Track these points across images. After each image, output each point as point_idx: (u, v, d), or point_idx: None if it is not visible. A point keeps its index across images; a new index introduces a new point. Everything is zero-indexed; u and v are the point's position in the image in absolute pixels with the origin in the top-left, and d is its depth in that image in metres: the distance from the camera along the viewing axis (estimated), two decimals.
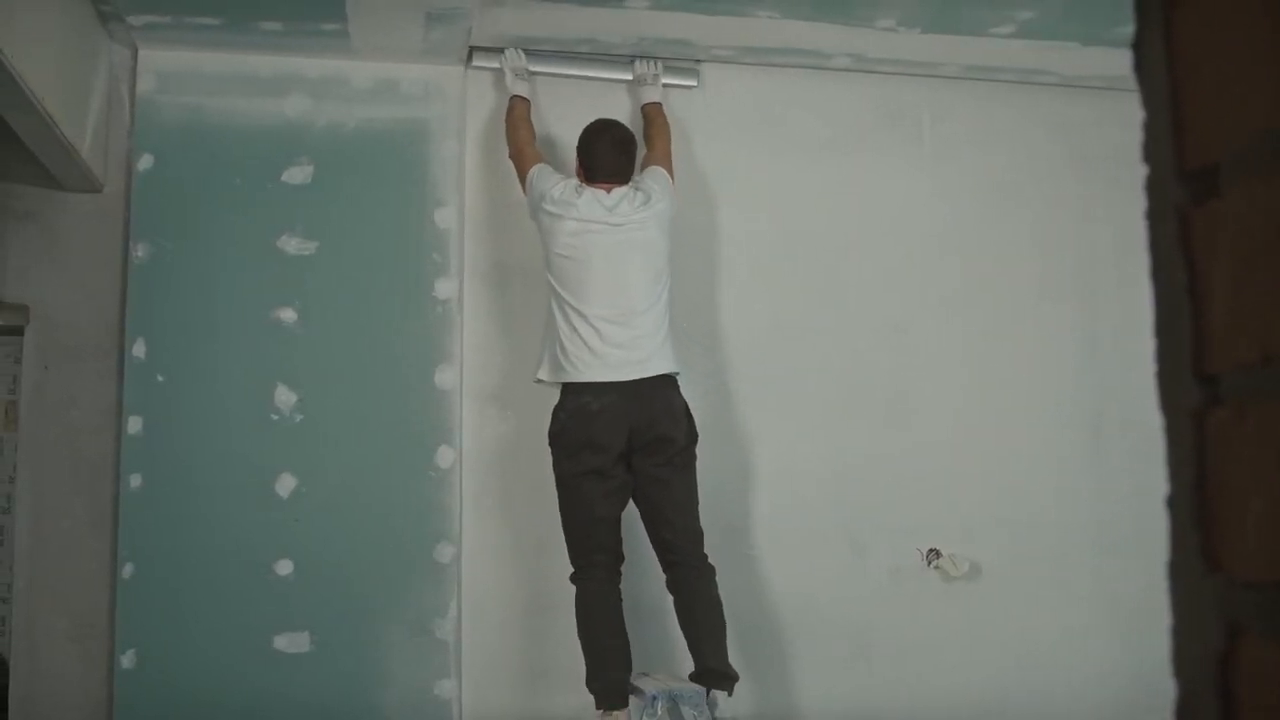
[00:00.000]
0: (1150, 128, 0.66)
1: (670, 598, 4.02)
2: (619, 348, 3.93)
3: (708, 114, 4.75)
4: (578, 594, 3.93)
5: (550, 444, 4.00)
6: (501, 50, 4.50)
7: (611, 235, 4.04)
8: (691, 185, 4.66)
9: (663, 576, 4.04)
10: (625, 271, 4.03)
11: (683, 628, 3.94)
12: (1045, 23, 4.37)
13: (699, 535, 3.99)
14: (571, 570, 3.96)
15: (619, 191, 4.14)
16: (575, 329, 3.95)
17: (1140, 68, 0.67)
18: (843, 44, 4.59)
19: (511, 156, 4.37)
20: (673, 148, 4.46)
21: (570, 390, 3.96)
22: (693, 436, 4.03)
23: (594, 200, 4.09)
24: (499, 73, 4.56)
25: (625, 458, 3.93)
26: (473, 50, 4.51)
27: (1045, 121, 5.00)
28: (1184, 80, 0.64)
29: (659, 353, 4.00)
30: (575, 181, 4.19)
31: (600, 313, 3.95)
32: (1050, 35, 4.48)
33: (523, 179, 4.25)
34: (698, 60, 4.68)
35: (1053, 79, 4.93)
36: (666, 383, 4.01)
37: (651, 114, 4.54)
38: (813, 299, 4.75)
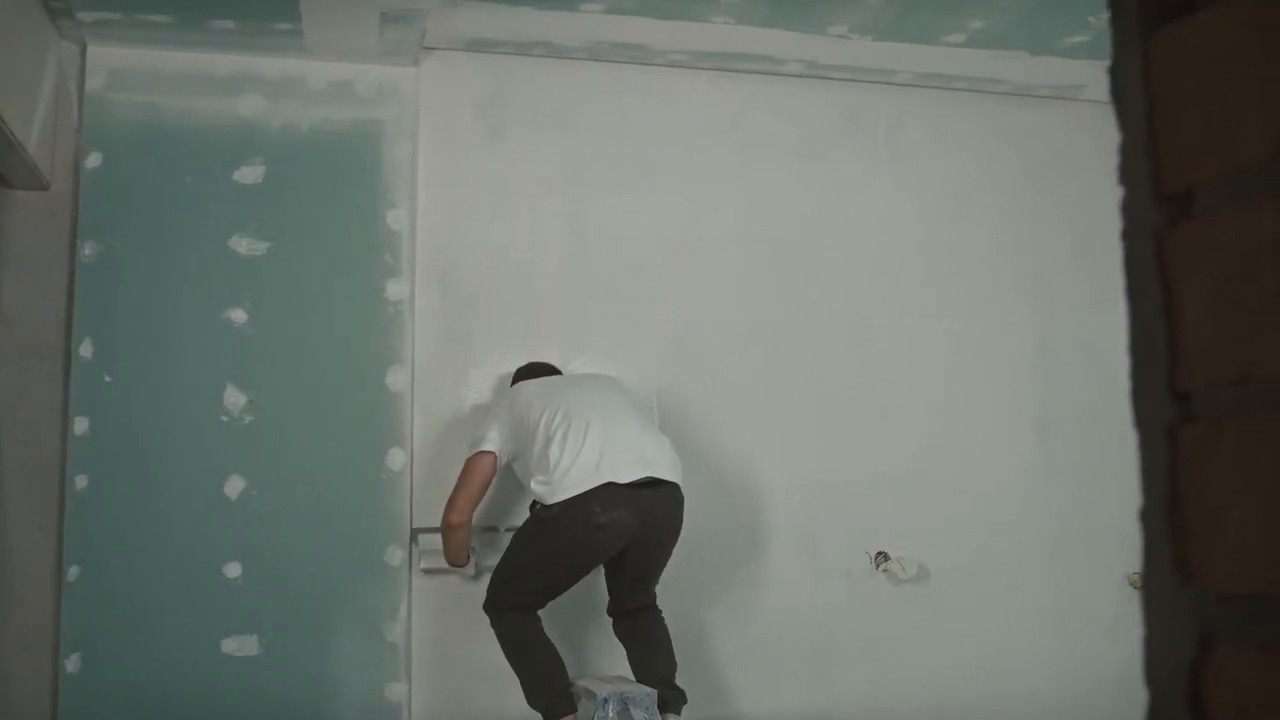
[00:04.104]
0: (1126, 151, 0.68)
1: (607, 614, 4.08)
2: (619, 447, 3.81)
3: (669, 119, 4.78)
4: (502, 622, 3.91)
5: (533, 513, 3.93)
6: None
7: (575, 382, 4.13)
8: (655, 189, 4.69)
9: (593, 584, 4.07)
10: (601, 399, 3.98)
11: (634, 654, 3.97)
12: (995, 32, 4.43)
13: (655, 592, 4.06)
14: (488, 600, 3.95)
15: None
16: (572, 457, 3.77)
17: (1116, 92, 0.69)
18: (796, 50, 4.62)
19: (457, 511, 4.02)
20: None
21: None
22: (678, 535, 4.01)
23: (538, 379, 4.17)
24: (453, 69, 4.61)
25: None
26: (417, 537, 4.35)
27: (999, 128, 5.07)
28: (1160, 107, 0.66)
29: (667, 458, 3.90)
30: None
31: (592, 432, 3.81)
32: (1001, 44, 4.55)
33: (486, 455, 4.01)
34: None
35: (1005, 87, 4.99)
36: (674, 491, 3.89)
37: None
38: (772, 303, 4.78)
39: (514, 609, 3.90)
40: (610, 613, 4.05)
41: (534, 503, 3.91)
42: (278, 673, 4.16)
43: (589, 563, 3.88)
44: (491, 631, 4.23)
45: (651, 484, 3.81)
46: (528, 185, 4.61)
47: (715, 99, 4.84)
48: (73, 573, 4.09)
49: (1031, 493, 4.89)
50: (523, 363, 4.37)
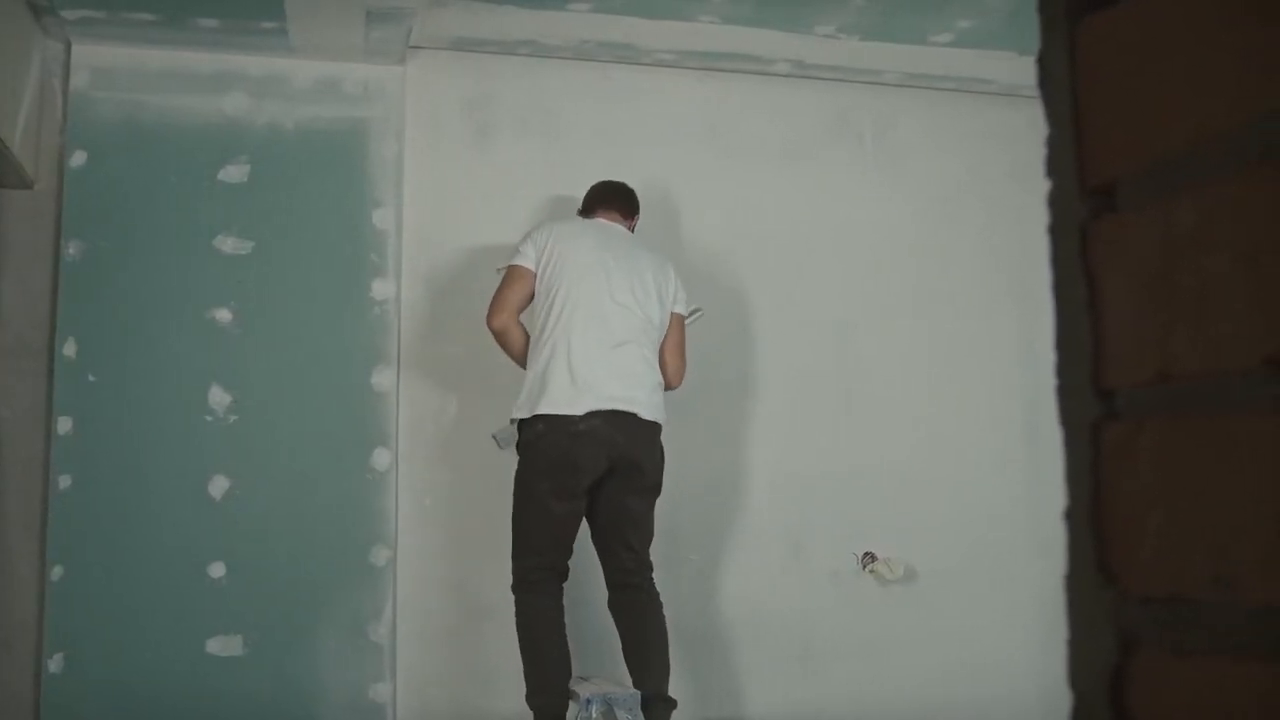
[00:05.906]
0: (1053, 143, 0.67)
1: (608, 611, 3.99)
2: (607, 379, 3.77)
3: (656, 119, 4.76)
4: (521, 606, 3.80)
5: (519, 449, 3.84)
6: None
7: (614, 260, 3.93)
8: (643, 188, 4.67)
9: (595, 582, 4.01)
10: (620, 299, 3.88)
11: (628, 649, 3.86)
12: (983, 32, 4.41)
13: (650, 565, 3.94)
14: (512, 580, 3.82)
15: (620, 228, 4.11)
16: (567, 360, 3.75)
17: (1044, 82, 0.68)
18: (783, 49, 4.61)
19: (494, 315, 3.91)
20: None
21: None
22: (662, 474, 3.95)
23: (596, 225, 4.06)
24: (439, 68, 4.59)
25: (598, 482, 3.82)
26: None
27: (987, 129, 5.05)
28: (1087, 97, 0.64)
29: (650, 400, 3.86)
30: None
31: (590, 343, 3.77)
32: (988, 44, 4.53)
33: (517, 268, 3.93)
34: None
35: (993, 88, 4.97)
36: (652, 427, 3.87)
37: None
38: (759, 303, 4.77)
39: (529, 585, 3.79)
40: (607, 585, 3.95)
41: (517, 426, 3.83)
42: (262, 673, 4.15)
43: (574, 480, 3.74)
44: (476, 633, 4.24)
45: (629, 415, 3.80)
46: (514, 184, 4.60)
47: (703, 98, 4.83)
48: (56, 573, 4.08)
49: (1019, 492, 4.87)
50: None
